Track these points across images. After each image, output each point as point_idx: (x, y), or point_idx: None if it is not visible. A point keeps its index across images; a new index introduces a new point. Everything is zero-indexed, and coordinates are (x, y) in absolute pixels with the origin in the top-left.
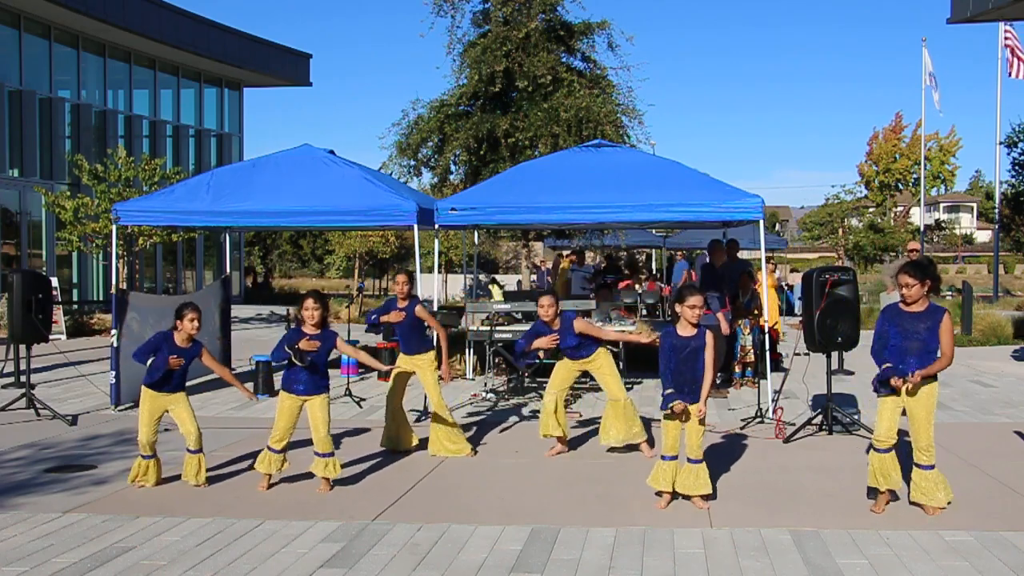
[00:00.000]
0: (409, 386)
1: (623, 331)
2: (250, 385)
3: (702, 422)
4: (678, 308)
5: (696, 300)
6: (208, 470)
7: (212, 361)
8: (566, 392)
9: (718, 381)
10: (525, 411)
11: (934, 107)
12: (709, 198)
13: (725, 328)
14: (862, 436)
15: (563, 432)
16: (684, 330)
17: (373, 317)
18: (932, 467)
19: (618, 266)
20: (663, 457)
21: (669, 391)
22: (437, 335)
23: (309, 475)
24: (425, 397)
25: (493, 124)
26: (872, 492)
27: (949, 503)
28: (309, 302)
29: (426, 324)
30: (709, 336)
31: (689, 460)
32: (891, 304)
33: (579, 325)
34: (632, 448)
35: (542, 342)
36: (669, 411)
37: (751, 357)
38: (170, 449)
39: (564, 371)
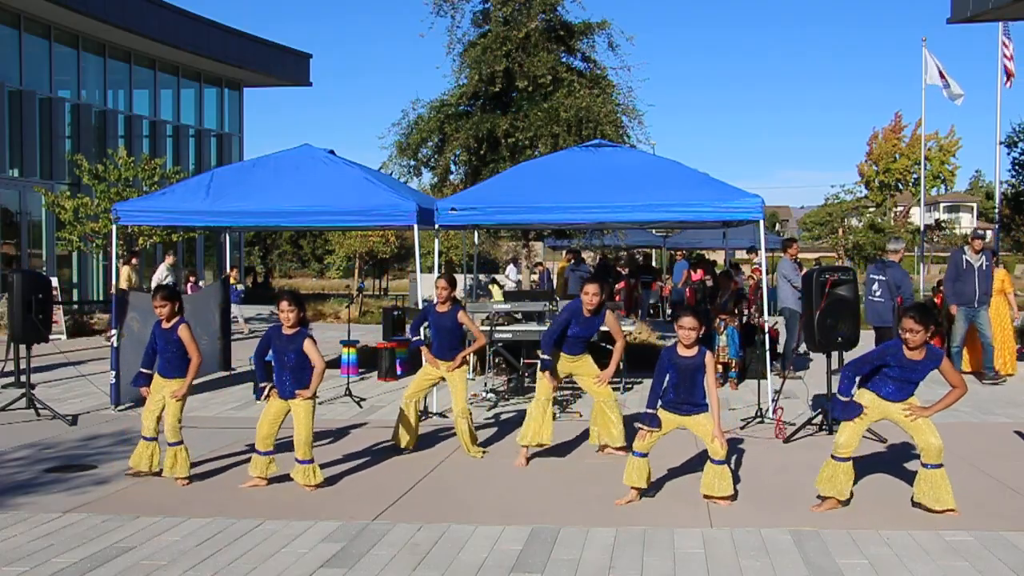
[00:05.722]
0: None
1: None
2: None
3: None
4: (676, 328)
5: (687, 322)
6: (207, 470)
7: (189, 338)
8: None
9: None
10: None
11: (934, 106)
12: (709, 198)
13: None
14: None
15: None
16: (684, 350)
17: (417, 340)
18: (940, 466)
19: (611, 267)
20: (634, 453)
21: (649, 411)
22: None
23: None
24: (425, 397)
25: (493, 124)
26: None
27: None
28: (284, 304)
29: (465, 329)
30: (709, 356)
31: (712, 461)
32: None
33: (609, 318)
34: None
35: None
36: (642, 429)
37: (726, 357)
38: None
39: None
